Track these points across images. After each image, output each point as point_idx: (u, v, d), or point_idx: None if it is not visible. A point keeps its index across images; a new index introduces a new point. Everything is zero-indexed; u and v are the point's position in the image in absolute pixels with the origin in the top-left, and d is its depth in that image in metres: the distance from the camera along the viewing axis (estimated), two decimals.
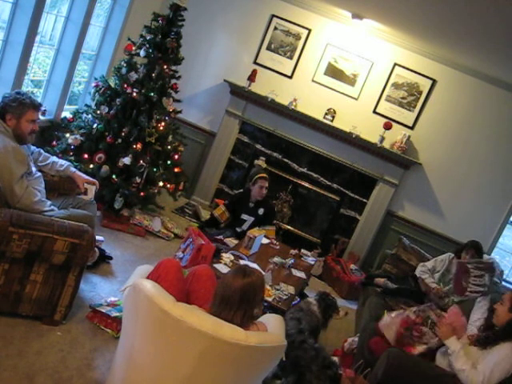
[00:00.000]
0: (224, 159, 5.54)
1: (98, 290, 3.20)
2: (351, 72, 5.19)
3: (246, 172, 5.47)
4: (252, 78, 5.25)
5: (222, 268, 3.24)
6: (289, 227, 5.51)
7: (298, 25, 5.24)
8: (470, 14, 3.10)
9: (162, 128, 4.35)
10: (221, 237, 4.26)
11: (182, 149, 4.73)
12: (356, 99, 5.21)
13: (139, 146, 4.17)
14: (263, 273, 3.38)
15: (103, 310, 2.88)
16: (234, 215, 4.55)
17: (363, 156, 5.18)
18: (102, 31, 4.79)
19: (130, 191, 4.17)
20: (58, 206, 3.01)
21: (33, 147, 3.06)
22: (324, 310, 3.22)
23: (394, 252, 4.60)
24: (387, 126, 5.01)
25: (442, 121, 5.09)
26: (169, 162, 4.55)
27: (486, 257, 4.20)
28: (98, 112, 4.21)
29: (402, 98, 5.12)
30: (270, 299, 3.10)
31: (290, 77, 5.33)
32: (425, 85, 5.05)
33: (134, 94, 4.13)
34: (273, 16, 5.28)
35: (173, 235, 4.54)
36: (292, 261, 3.86)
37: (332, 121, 5.19)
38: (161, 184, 4.47)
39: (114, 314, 2.86)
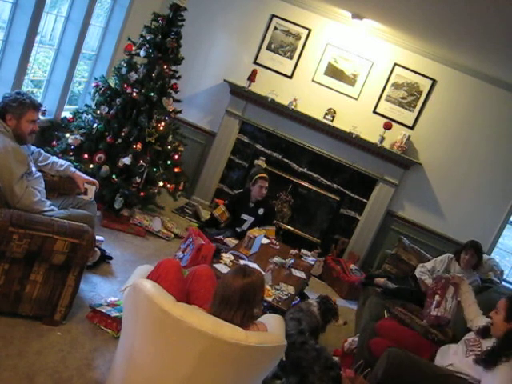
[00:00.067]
0: (224, 159, 5.54)
1: (98, 289, 3.20)
2: (351, 72, 5.19)
3: (246, 172, 5.47)
4: (252, 78, 5.25)
5: (222, 268, 3.24)
6: (289, 227, 5.51)
7: (298, 25, 5.24)
8: (469, 14, 3.10)
9: (161, 128, 4.35)
10: (221, 237, 4.26)
11: (181, 149, 4.73)
12: (356, 99, 5.21)
13: (139, 146, 4.17)
14: (263, 273, 3.38)
15: (103, 310, 2.88)
16: (234, 215, 4.55)
17: (363, 156, 5.18)
18: (102, 31, 4.79)
19: (129, 191, 4.17)
20: (58, 206, 3.01)
21: (33, 147, 3.06)
22: (323, 313, 3.19)
23: (393, 252, 4.60)
24: (387, 126, 5.01)
25: (441, 121, 5.09)
26: (169, 162, 4.55)
27: (485, 257, 4.20)
28: (98, 112, 4.21)
29: (402, 98, 5.12)
30: (269, 299, 3.09)
31: (290, 77, 5.33)
32: (425, 85, 5.05)
33: (134, 94, 4.13)
34: (273, 16, 5.28)
35: (173, 235, 4.54)
36: (292, 261, 3.86)
37: (332, 121, 5.19)
38: (161, 184, 4.47)
39: (114, 313, 2.86)
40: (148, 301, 1.94)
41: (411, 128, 5.13)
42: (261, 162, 5.28)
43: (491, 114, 4.97)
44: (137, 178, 4.20)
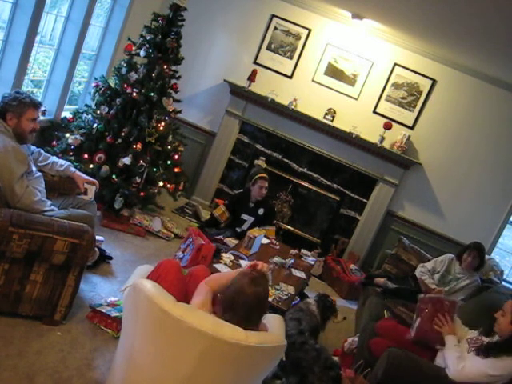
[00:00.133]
0: (224, 159, 5.54)
1: (98, 289, 3.20)
2: (351, 72, 5.19)
3: (246, 172, 5.47)
4: (252, 78, 5.25)
5: (222, 268, 3.24)
6: (289, 227, 5.51)
7: (298, 25, 5.24)
8: (469, 14, 3.10)
9: (162, 128, 4.35)
10: (221, 237, 4.26)
11: (181, 149, 4.73)
12: (356, 99, 5.21)
13: (139, 146, 4.17)
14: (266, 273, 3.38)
15: (103, 310, 2.88)
16: (234, 215, 4.55)
17: (363, 156, 5.18)
18: (102, 31, 4.79)
19: (130, 191, 4.17)
20: (58, 206, 3.01)
21: (33, 147, 3.06)
22: (322, 311, 3.21)
23: (393, 252, 4.60)
24: (387, 126, 5.01)
25: (441, 121, 5.09)
26: (169, 162, 4.55)
27: (486, 257, 4.20)
28: (98, 112, 4.21)
29: (402, 98, 5.12)
30: (270, 299, 3.09)
31: (290, 77, 5.33)
32: (425, 85, 5.05)
33: (134, 94, 4.13)
34: (273, 16, 5.28)
35: (173, 235, 4.54)
36: (292, 261, 3.86)
37: (332, 121, 5.19)
38: (161, 184, 4.47)
39: (114, 313, 2.86)
40: (148, 301, 1.94)
41: (411, 128, 5.13)
42: (261, 162, 5.28)
43: (491, 114, 4.97)
44: (137, 177, 4.20)
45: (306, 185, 5.43)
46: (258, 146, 5.46)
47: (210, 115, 5.60)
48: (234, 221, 4.54)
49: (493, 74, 4.77)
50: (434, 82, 5.03)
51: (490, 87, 4.91)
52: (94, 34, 4.77)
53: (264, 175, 4.54)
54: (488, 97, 4.94)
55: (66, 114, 4.45)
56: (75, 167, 3.33)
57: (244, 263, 3.45)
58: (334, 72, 5.22)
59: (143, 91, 4.16)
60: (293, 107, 5.18)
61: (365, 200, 5.29)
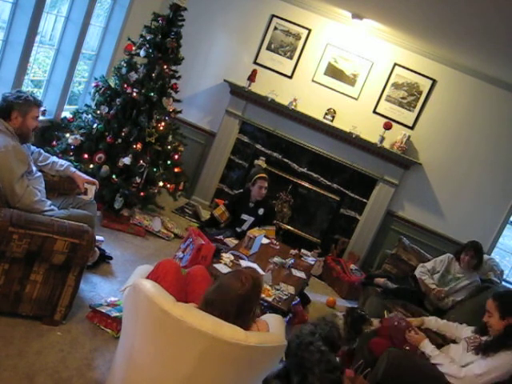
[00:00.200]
0: (224, 159, 5.54)
1: (98, 289, 3.20)
2: (351, 72, 5.19)
3: (246, 172, 5.47)
4: (252, 78, 5.25)
5: (222, 268, 3.24)
6: (289, 227, 5.51)
7: (298, 25, 5.24)
8: (469, 14, 3.10)
9: (162, 128, 4.35)
10: (221, 237, 4.26)
11: (181, 149, 4.73)
12: (356, 99, 5.21)
13: (139, 146, 4.17)
14: (263, 273, 3.38)
15: (103, 310, 2.88)
16: (234, 215, 4.55)
17: (363, 156, 5.18)
18: (102, 31, 4.79)
19: (130, 191, 4.17)
20: (58, 206, 3.01)
21: (33, 147, 3.06)
22: (352, 324, 2.93)
23: (393, 252, 4.60)
24: (387, 126, 5.01)
25: (441, 121, 5.09)
26: (169, 162, 4.55)
27: (485, 257, 4.20)
28: (98, 112, 4.22)
29: (402, 98, 5.12)
30: (269, 299, 3.09)
31: (290, 77, 5.33)
32: (425, 85, 5.05)
33: (134, 94, 4.13)
34: (273, 16, 5.28)
35: (173, 235, 4.54)
36: (292, 261, 3.86)
37: (332, 121, 5.19)
38: (161, 184, 4.47)
39: (114, 313, 2.86)
40: (148, 301, 1.94)
41: (411, 128, 5.13)
42: (261, 162, 5.28)
43: (491, 114, 4.97)
44: (137, 178, 4.20)
45: (306, 185, 5.43)
46: (258, 146, 5.45)
47: (210, 115, 5.60)
48: (233, 221, 4.54)
49: (493, 74, 4.77)
50: (434, 82, 5.03)
51: (490, 87, 4.91)
52: (94, 34, 4.77)
53: (264, 175, 4.53)
54: (488, 97, 4.94)
55: (66, 114, 4.45)
56: (75, 167, 3.33)
57: (244, 263, 3.45)
58: (333, 72, 5.22)
59: (143, 91, 4.16)
60: (293, 107, 5.18)
61: (365, 200, 5.29)
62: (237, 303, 1.99)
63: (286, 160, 5.41)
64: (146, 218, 4.47)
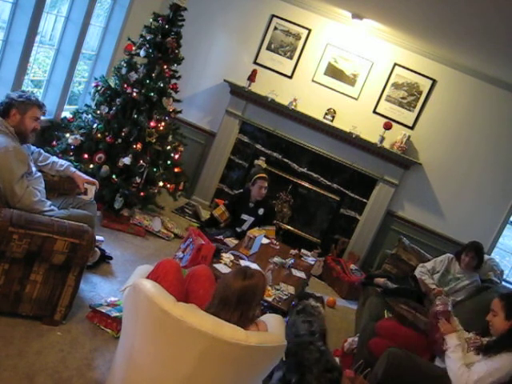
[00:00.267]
0: (224, 159, 5.54)
1: (98, 289, 3.20)
2: (351, 72, 5.19)
3: (246, 172, 5.47)
4: (252, 78, 5.25)
5: (222, 268, 3.24)
6: (289, 227, 5.51)
7: (298, 25, 5.24)
8: (469, 14, 3.10)
9: (161, 128, 4.35)
10: (221, 237, 4.26)
11: (181, 149, 4.73)
12: (356, 99, 5.21)
13: (139, 146, 4.17)
14: (264, 273, 3.38)
15: (103, 310, 2.87)
16: (234, 215, 4.55)
17: (363, 156, 5.18)
18: (102, 31, 4.79)
19: (130, 191, 4.17)
20: (58, 206, 3.01)
21: (33, 147, 3.07)
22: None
23: (393, 252, 4.60)
24: (387, 126, 5.01)
25: (441, 121, 5.09)
26: (169, 162, 4.55)
27: (486, 257, 4.20)
28: (98, 112, 4.22)
29: (402, 98, 5.12)
30: (269, 299, 3.09)
31: (290, 77, 5.33)
32: (425, 85, 5.05)
33: (134, 94, 4.13)
34: (273, 16, 5.28)
35: (173, 235, 4.54)
36: (292, 261, 3.86)
37: (332, 121, 5.19)
38: (161, 184, 4.47)
39: (114, 313, 2.86)
40: (148, 301, 1.94)
41: (411, 128, 5.13)
42: (261, 162, 5.28)
43: (491, 114, 4.97)
44: (137, 178, 4.20)
45: (306, 185, 5.43)
46: (258, 146, 5.45)
47: (210, 115, 5.60)
48: (233, 221, 4.54)
49: (493, 74, 4.77)
50: (434, 82, 5.03)
51: (490, 87, 4.91)
52: (94, 34, 4.77)
53: (263, 175, 4.53)
54: (488, 97, 4.94)
55: (66, 114, 4.45)
56: (75, 167, 3.33)
57: (244, 263, 3.45)
58: (333, 72, 5.22)
59: (143, 91, 4.16)
60: (293, 107, 5.18)
61: (365, 200, 5.29)
62: (238, 293, 2.02)
63: (286, 160, 5.41)
64: (145, 217, 4.47)
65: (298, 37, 5.26)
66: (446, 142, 5.10)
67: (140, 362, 2.03)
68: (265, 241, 4.13)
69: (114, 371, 2.19)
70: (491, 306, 2.70)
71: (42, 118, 2.99)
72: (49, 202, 2.85)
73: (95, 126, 4.16)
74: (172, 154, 4.59)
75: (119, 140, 4.17)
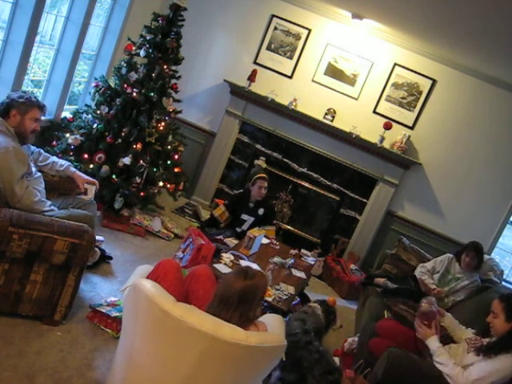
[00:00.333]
0: (224, 159, 5.54)
1: (98, 289, 3.20)
2: (351, 72, 5.19)
3: (246, 172, 5.47)
4: (252, 78, 5.25)
5: (222, 268, 3.24)
6: (289, 227, 5.51)
7: (298, 25, 5.24)
8: (469, 14, 3.10)
9: (162, 128, 4.35)
10: (221, 237, 4.26)
11: (181, 149, 4.73)
12: (356, 99, 5.21)
13: (139, 146, 4.17)
14: (265, 273, 3.38)
15: (103, 310, 2.88)
16: (234, 215, 4.55)
17: (363, 156, 5.18)
18: (102, 31, 4.79)
19: (130, 191, 4.17)
20: (57, 206, 3.01)
21: (33, 147, 3.07)
22: (326, 315, 3.20)
23: (394, 252, 4.60)
24: (387, 126, 5.01)
25: (441, 121, 5.09)
26: (169, 162, 4.55)
27: (486, 257, 4.20)
28: (98, 112, 4.21)
29: (402, 98, 5.12)
30: (269, 299, 3.09)
31: (290, 77, 5.33)
32: (425, 85, 5.05)
33: (134, 94, 4.13)
34: (273, 16, 5.28)
35: (173, 235, 4.54)
36: (292, 261, 3.86)
37: (332, 121, 5.19)
38: (161, 184, 4.47)
39: (114, 313, 2.86)
40: (148, 301, 1.94)
41: (411, 128, 5.13)
42: (261, 162, 5.28)
43: (491, 114, 4.97)
44: (137, 178, 4.20)
45: (306, 185, 5.43)
46: (258, 146, 5.46)
47: (210, 115, 5.60)
48: (233, 221, 4.54)
49: (493, 74, 4.77)
50: (434, 82, 5.03)
51: (490, 87, 4.91)
52: (94, 34, 4.77)
53: (263, 175, 4.53)
54: (488, 97, 4.94)
55: (66, 114, 4.45)
56: (75, 167, 3.33)
57: (244, 263, 3.45)
58: (334, 72, 5.22)
59: (143, 91, 4.16)
60: (293, 107, 5.18)
61: (365, 200, 5.29)
62: (238, 294, 2.02)
63: (286, 160, 5.41)
64: (146, 217, 4.47)
65: (297, 37, 5.26)
66: (446, 142, 5.10)
67: (140, 362, 2.03)
68: (265, 241, 4.13)
69: (114, 371, 2.19)
70: (491, 307, 2.70)
71: (42, 117, 2.98)
72: (49, 202, 2.86)
73: (95, 125, 4.16)
74: (172, 154, 4.58)
75: (119, 140, 4.17)
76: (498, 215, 5.04)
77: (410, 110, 5.12)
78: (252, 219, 4.51)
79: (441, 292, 3.88)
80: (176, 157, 4.64)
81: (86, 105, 4.34)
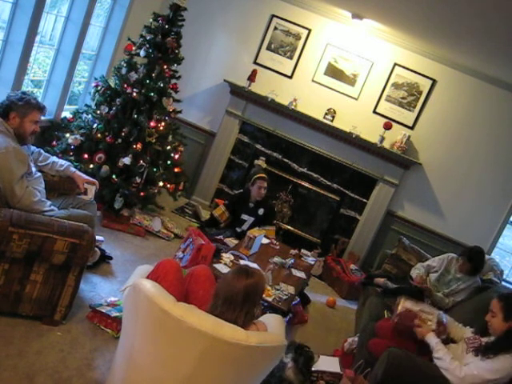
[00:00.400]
0: (224, 159, 5.54)
1: (98, 289, 3.20)
2: (351, 72, 5.19)
3: (246, 172, 5.47)
4: (252, 78, 5.25)
5: (222, 268, 3.24)
6: (289, 227, 5.51)
7: (298, 25, 5.24)
8: (470, 14, 3.10)
9: (162, 128, 4.35)
10: (221, 237, 4.26)
11: (181, 149, 4.73)
12: (356, 99, 5.21)
13: (139, 146, 4.17)
14: (263, 273, 3.38)
15: (103, 310, 2.87)
16: (234, 215, 4.55)
17: (363, 156, 5.18)
18: (102, 31, 4.79)
19: (130, 191, 4.17)
20: (57, 206, 3.01)
21: (33, 147, 3.07)
22: (304, 366, 2.60)
23: (393, 252, 4.60)
24: (387, 126, 5.01)
25: (442, 121, 5.09)
26: (169, 162, 4.55)
27: (486, 257, 4.19)
28: (98, 112, 4.22)
29: (402, 98, 5.12)
30: (269, 299, 3.09)
31: (290, 77, 5.33)
32: (425, 85, 5.05)
33: (134, 94, 4.13)
34: (273, 16, 5.28)
35: (173, 235, 4.54)
36: (292, 261, 3.86)
37: (332, 121, 5.19)
38: (161, 184, 4.47)
39: (114, 313, 2.86)
40: (148, 301, 1.94)
41: (411, 128, 5.13)
42: (261, 162, 5.28)
43: (491, 114, 4.97)
44: (137, 178, 4.20)
45: (306, 185, 5.43)
46: (258, 146, 5.45)
47: (210, 115, 5.60)
48: (233, 221, 4.54)
49: (493, 74, 4.77)
50: (434, 82, 5.03)
51: (490, 87, 4.91)
52: (94, 34, 4.77)
53: (263, 175, 4.53)
54: (488, 97, 4.94)
55: (66, 114, 4.45)
56: (75, 167, 3.33)
57: (244, 263, 3.45)
58: (334, 72, 5.22)
59: (143, 91, 4.16)
60: (293, 107, 5.17)
61: (365, 200, 5.29)
62: (243, 293, 2.03)
63: (286, 160, 5.41)
64: (146, 217, 4.47)
65: (297, 37, 5.26)
66: (446, 142, 5.10)
67: (140, 362, 2.03)
68: (265, 241, 4.13)
69: (114, 371, 2.19)
70: (490, 306, 2.70)
71: (42, 118, 2.98)
72: (49, 202, 2.86)
73: (95, 126, 4.16)
74: (172, 154, 4.59)
75: (119, 140, 4.17)
76: (498, 215, 5.04)
77: (410, 110, 5.12)
78: (252, 219, 4.51)
79: (422, 278, 3.90)
80: (176, 157, 4.64)
81: (86, 105, 4.34)
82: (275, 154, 5.42)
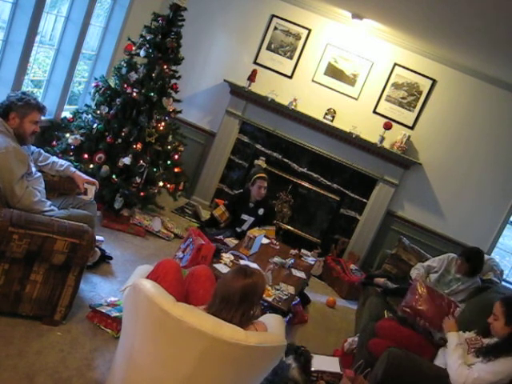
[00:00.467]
0: (224, 159, 5.54)
1: (98, 289, 3.20)
2: (351, 72, 5.19)
3: (246, 172, 5.47)
4: (252, 78, 5.25)
5: (222, 268, 3.24)
6: (289, 227, 5.51)
7: (298, 25, 5.24)
8: (469, 14, 3.10)
9: (162, 128, 4.35)
10: (221, 237, 4.26)
11: (181, 149, 4.73)
12: (356, 99, 5.21)
13: (139, 146, 4.17)
14: (263, 273, 3.38)
15: (103, 310, 2.87)
16: (234, 215, 4.55)
17: (363, 156, 5.18)
18: (102, 31, 4.79)
19: (130, 191, 4.17)
20: (57, 206, 3.01)
21: (33, 147, 3.07)
22: (304, 366, 2.68)
23: (393, 252, 4.60)
24: (387, 126, 5.01)
25: (442, 121, 5.09)
26: (169, 162, 4.55)
27: (485, 257, 4.19)
28: (98, 112, 4.22)
29: (402, 98, 5.12)
30: (269, 299, 3.09)
31: (290, 77, 5.33)
32: (425, 85, 5.05)
33: (134, 94, 4.13)
34: (273, 16, 5.28)
35: (173, 235, 4.54)
36: (292, 261, 3.86)
37: (332, 121, 5.19)
38: (161, 184, 4.47)
39: (114, 313, 2.86)
40: (148, 301, 1.94)
41: (411, 128, 5.13)
42: (261, 162, 5.28)
43: (491, 114, 4.97)
44: (137, 178, 4.20)
45: (306, 185, 5.43)
46: (258, 146, 5.46)
47: (210, 115, 5.60)
48: (234, 221, 4.54)
49: (493, 74, 4.77)
50: (434, 82, 5.03)
51: (490, 87, 4.91)
52: (94, 34, 4.77)
53: (263, 175, 4.53)
54: (488, 97, 4.94)
55: (66, 114, 4.45)
56: (75, 167, 3.33)
57: (244, 263, 3.45)
58: (334, 72, 5.22)
59: (143, 91, 4.16)
60: (293, 107, 5.18)
61: (365, 200, 5.29)
62: (240, 292, 2.02)
63: (286, 160, 5.41)
64: (146, 217, 4.47)
65: (297, 37, 5.26)
66: (446, 142, 5.10)
67: (140, 362, 2.03)
68: (265, 241, 4.13)
69: (114, 371, 2.20)
70: (493, 309, 2.70)
71: (42, 118, 2.98)
72: (49, 202, 2.86)
73: (95, 125, 4.16)
74: (172, 154, 4.58)
75: (119, 140, 4.17)
76: (498, 215, 5.04)
77: (410, 110, 5.12)
78: (252, 219, 4.51)
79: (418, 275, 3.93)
80: (176, 157, 4.64)
81: (86, 105, 4.34)
82: (275, 154, 5.42)
